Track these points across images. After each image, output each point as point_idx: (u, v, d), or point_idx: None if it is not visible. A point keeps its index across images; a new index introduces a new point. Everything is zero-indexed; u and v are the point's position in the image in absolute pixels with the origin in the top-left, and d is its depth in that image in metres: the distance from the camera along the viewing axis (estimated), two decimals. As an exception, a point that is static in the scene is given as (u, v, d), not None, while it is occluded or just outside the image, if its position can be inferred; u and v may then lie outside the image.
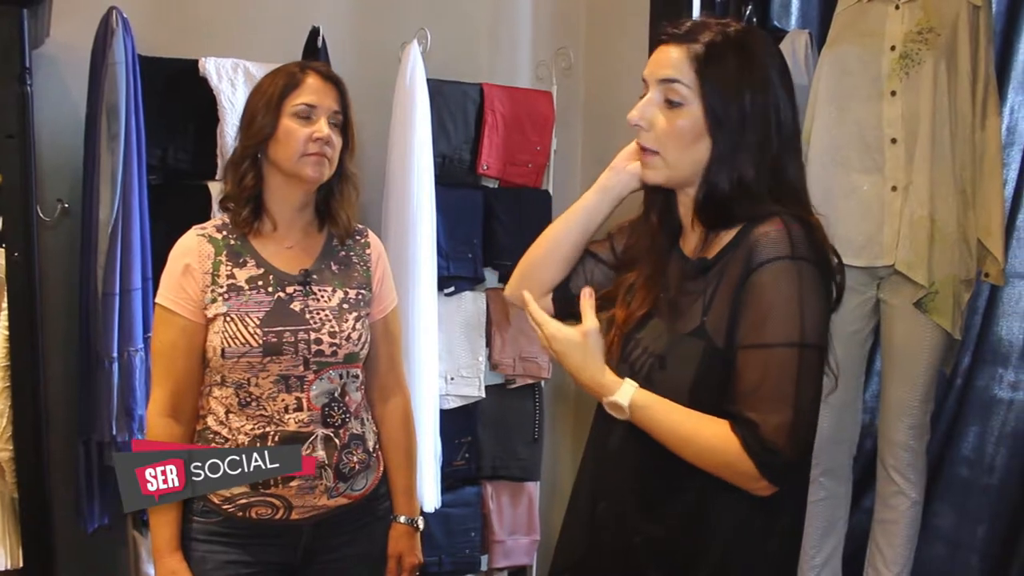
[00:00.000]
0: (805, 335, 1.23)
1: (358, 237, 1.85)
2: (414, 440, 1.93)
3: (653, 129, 1.33)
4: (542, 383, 3.18)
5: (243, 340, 1.65)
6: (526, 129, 3.06)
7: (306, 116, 1.69)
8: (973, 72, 2.22)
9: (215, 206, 2.38)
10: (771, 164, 1.31)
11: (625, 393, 1.30)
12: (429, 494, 2.81)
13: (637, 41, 3.06)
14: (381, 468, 1.84)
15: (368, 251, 1.84)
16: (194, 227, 1.75)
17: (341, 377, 1.73)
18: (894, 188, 2.28)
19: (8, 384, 2.19)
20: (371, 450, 1.80)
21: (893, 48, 2.29)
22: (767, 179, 1.31)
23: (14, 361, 2.19)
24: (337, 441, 1.72)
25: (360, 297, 1.79)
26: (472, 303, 3.03)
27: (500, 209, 3.03)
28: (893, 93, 2.28)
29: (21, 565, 2.25)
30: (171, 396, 1.69)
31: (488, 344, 3.07)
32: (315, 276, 1.75)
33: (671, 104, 1.31)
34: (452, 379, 2.99)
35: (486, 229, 3.02)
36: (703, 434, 1.27)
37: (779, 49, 1.41)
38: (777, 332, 1.23)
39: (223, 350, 1.65)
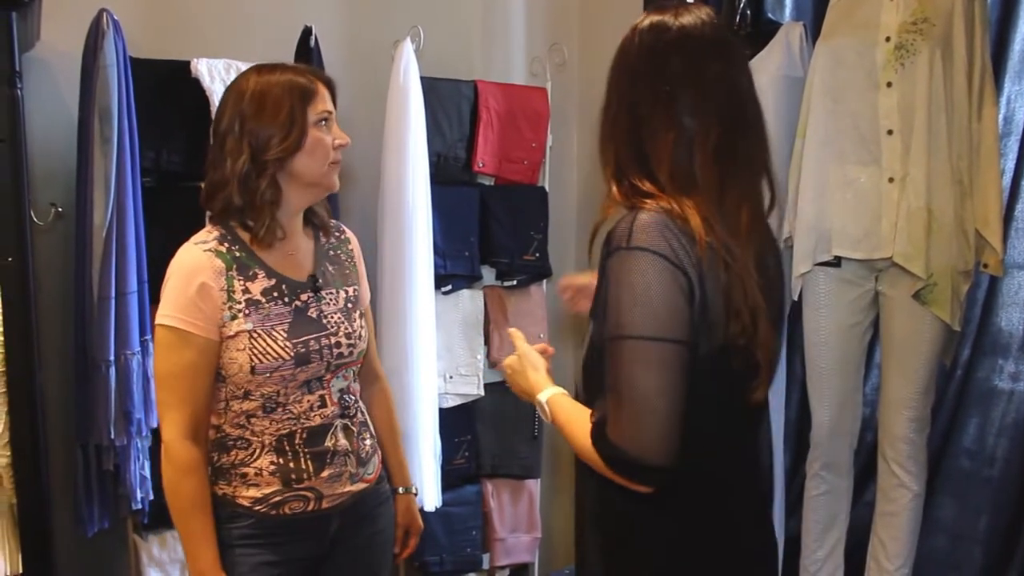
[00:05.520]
0: (625, 327, 1.21)
1: (338, 234, 1.86)
2: (396, 418, 2.03)
3: None
4: (541, 380, 3.17)
5: (275, 355, 1.63)
6: (521, 126, 3.05)
7: (326, 123, 1.69)
8: (969, 62, 2.21)
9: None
10: (634, 150, 1.32)
11: (544, 393, 1.41)
12: (429, 493, 2.81)
13: (631, 35, 3.05)
14: (380, 452, 1.91)
15: (350, 247, 1.87)
16: (194, 242, 1.67)
17: (352, 373, 1.80)
18: (891, 180, 2.27)
19: (4, 390, 2.18)
20: (373, 434, 1.87)
21: (888, 39, 2.27)
22: (636, 167, 1.31)
23: (10, 367, 2.18)
24: (353, 428, 1.77)
25: (356, 294, 1.82)
26: (470, 301, 3.02)
27: (496, 206, 3.03)
28: (889, 84, 2.27)
29: (21, 571, 2.25)
30: (191, 418, 1.63)
31: (486, 342, 3.07)
32: (320, 280, 1.75)
33: None
34: (451, 377, 2.98)
35: (482, 227, 3.02)
36: (579, 430, 1.30)
37: (650, 26, 1.35)
38: (610, 324, 1.24)
39: (253, 367, 1.63)
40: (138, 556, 2.49)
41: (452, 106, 2.94)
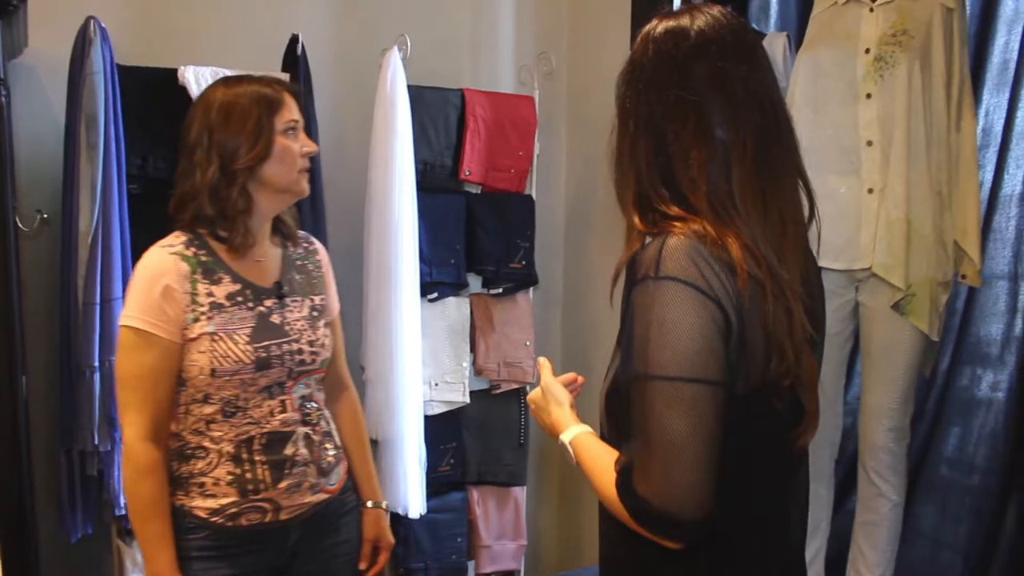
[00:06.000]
0: (653, 366, 1.09)
1: (306, 245, 1.89)
2: (365, 429, 2.02)
3: None
4: (527, 388, 3.18)
5: (235, 358, 1.65)
6: (508, 134, 3.06)
7: (293, 131, 1.71)
8: (947, 74, 2.22)
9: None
10: (659, 171, 1.19)
11: (567, 433, 1.29)
12: (414, 500, 2.81)
13: (619, 44, 3.07)
14: (346, 462, 1.90)
15: (318, 257, 1.89)
16: (159, 246, 1.69)
17: (316, 382, 1.80)
18: (870, 191, 2.29)
19: (-13, 395, 2.19)
20: (338, 445, 1.86)
21: (868, 51, 2.29)
22: (664, 192, 1.18)
23: (-7, 372, 2.19)
24: (315, 438, 1.77)
25: (322, 303, 1.84)
26: (455, 309, 3.03)
27: (483, 214, 3.04)
28: (868, 96, 2.28)
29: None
30: (152, 420, 1.64)
31: (472, 350, 3.07)
32: (286, 288, 1.77)
33: None
34: (436, 385, 2.99)
35: (469, 234, 3.03)
36: (604, 477, 1.17)
37: (665, 33, 1.22)
38: (636, 363, 1.11)
39: (213, 369, 1.64)
40: (122, 561, 2.49)
41: (439, 114, 2.95)
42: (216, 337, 1.64)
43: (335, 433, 1.87)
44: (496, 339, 3.08)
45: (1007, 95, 2.27)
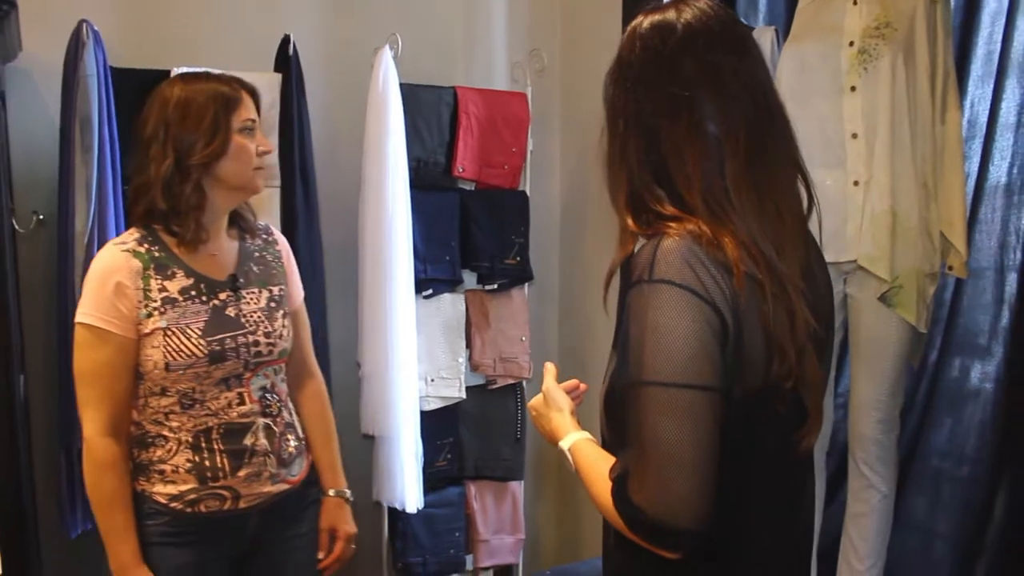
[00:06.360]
0: (647, 372, 1.07)
1: (265, 236, 1.91)
2: (332, 418, 2.02)
3: None
4: (523, 383, 3.20)
5: (188, 352, 1.68)
6: (501, 131, 3.08)
7: (249, 130, 1.74)
8: (932, 66, 2.23)
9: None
10: (652, 170, 1.17)
11: (566, 440, 1.28)
12: (411, 495, 2.84)
13: (611, 41, 3.05)
14: (310, 454, 1.93)
15: (277, 247, 1.91)
16: (113, 243, 1.72)
17: (276, 372, 1.82)
18: (856, 183, 2.29)
19: (-14, 394, 2.22)
20: (301, 436, 1.89)
21: (852, 44, 2.30)
22: (657, 191, 1.16)
23: (-8, 371, 2.22)
24: (276, 429, 1.79)
25: (281, 293, 1.86)
26: (451, 305, 3.05)
27: (477, 211, 3.06)
28: (853, 88, 2.29)
29: (3, 572, 2.28)
30: (111, 415, 1.67)
31: (468, 345, 3.10)
32: (241, 280, 1.79)
33: None
34: (432, 380, 3.02)
35: (463, 231, 3.05)
36: (600, 485, 1.15)
37: (652, 28, 1.20)
38: (631, 368, 1.09)
39: (167, 364, 1.67)
40: (121, 557, 2.52)
41: (432, 112, 2.98)
42: (169, 332, 1.67)
43: (298, 424, 1.89)
44: (492, 335, 3.10)
45: (991, 86, 2.27)
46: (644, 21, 1.21)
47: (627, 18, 3.03)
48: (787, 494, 1.22)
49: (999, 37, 2.26)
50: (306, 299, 2.69)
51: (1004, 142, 2.27)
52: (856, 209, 2.28)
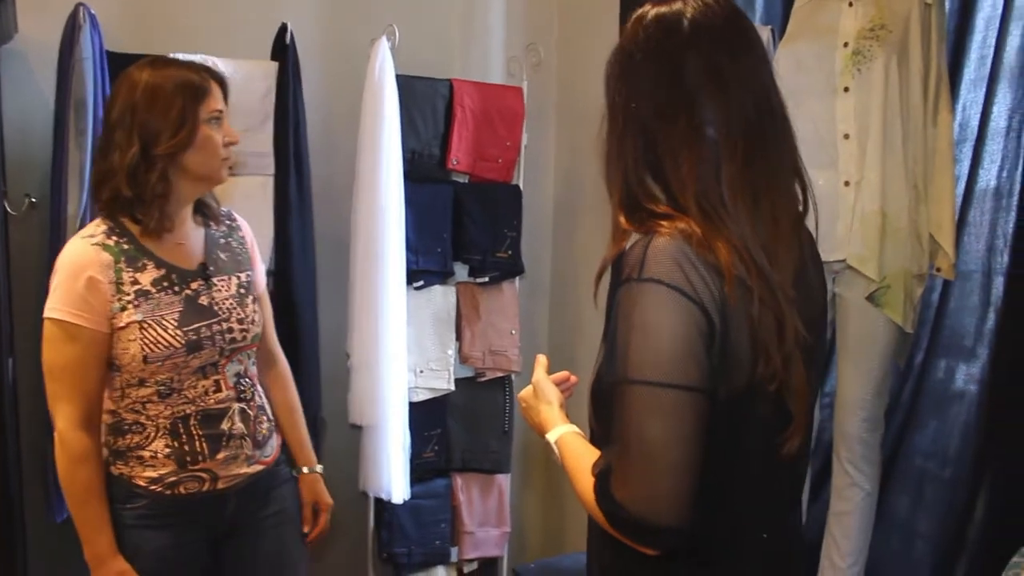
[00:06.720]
0: (633, 370, 1.07)
1: (229, 222, 1.91)
2: (297, 399, 2.07)
3: None
4: (512, 376, 3.21)
5: (166, 344, 1.68)
6: (496, 124, 3.08)
7: (217, 121, 1.73)
8: (925, 69, 2.25)
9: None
10: (648, 169, 1.17)
11: (553, 433, 1.29)
12: (398, 485, 2.85)
13: (608, 36, 3.08)
14: (279, 435, 1.96)
15: (241, 234, 1.92)
16: (80, 236, 1.70)
17: (248, 357, 1.85)
18: (847, 183, 2.31)
19: (-25, 378, 2.22)
20: (271, 418, 1.92)
21: (846, 45, 2.31)
22: (652, 191, 1.17)
23: (-20, 354, 2.22)
24: (250, 413, 1.82)
25: (249, 279, 1.87)
26: (441, 297, 3.06)
27: (470, 204, 3.06)
28: (846, 89, 2.31)
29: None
30: (83, 408, 1.67)
31: (458, 338, 3.10)
32: (212, 268, 1.80)
33: None
34: (421, 372, 3.02)
35: (456, 224, 3.05)
36: (584, 480, 1.16)
37: (657, 24, 1.19)
38: (618, 366, 1.10)
39: (145, 356, 1.67)
40: (107, 541, 2.52)
41: (427, 104, 2.98)
42: (144, 324, 1.67)
43: (267, 406, 1.92)
44: (482, 327, 3.11)
45: (984, 91, 2.29)
46: (650, 12, 1.19)
47: (624, 15, 3.04)
48: (771, 495, 1.22)
49: (992, 42, 2.28)
50: (298, 287, 2.71)
51: (994, 146, 2.29)
52: (847, 209, 2.30)
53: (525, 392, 1.39)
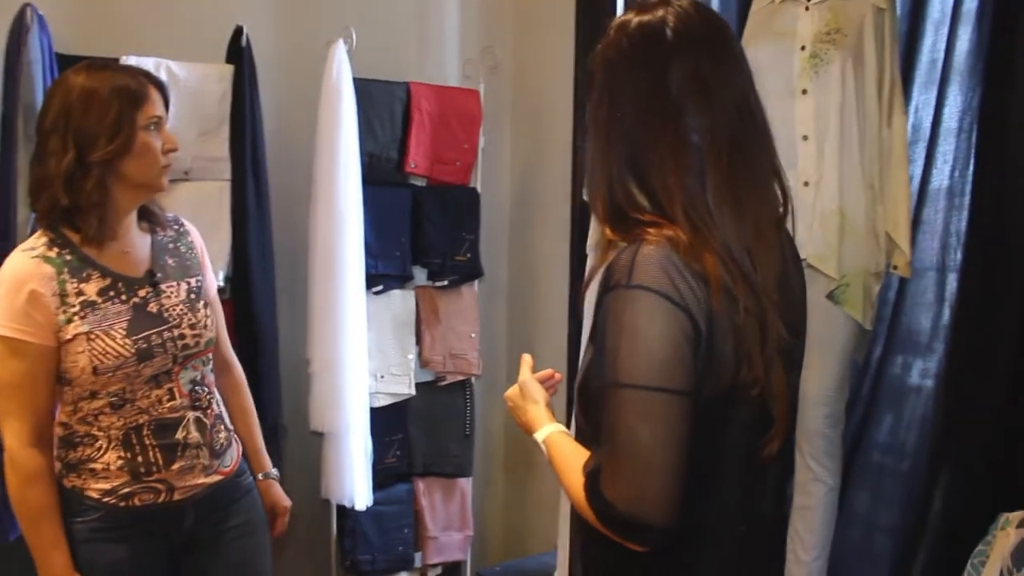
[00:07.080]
0: (622, 375, 1.10)
1: (176, 227, 1.87)
2: (252, 405, 2.07)
3: None
4: (472, 380, 3.21)
5: (116, 353, 1.64)
6: (453, 127, 3.08)
7: (156, 127, 1.69)
8: (879, 72, 2.29)
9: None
10: (634, 178, 1.18)
11: (541, 432, 1.31)
12: (360, 492, 2.83)
13: (564, 39, 3.11)
14: (239, 444, 1.93)
15: (190, 239, 1.88)
16: (21, 249, 1.65)
17: (204, 363, 1.81)
18: (806, 184, 2.35)
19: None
20: (229, 427, 1.90)
21: (804, 48, 2.35)
22: (638, 202, 1.18)
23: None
24: (207, 421, 1.79)
25: (199, 284, 1.84)
26: (401, 301, 3.05)
27: (428, 207, 3.06)
28: (804, 92, 2.34)
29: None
30: (33, 425, 1.63)
31: (418, 342, 3.09)
32: (159, 275, 1.76)
33: None
34: (382, 377, 3.00)
35: (414, 227, 3.05)
36: (574, 478, 1.18)
37: (640, 33, 1.20)
38: (607, 370, 1.12)
39: (95, 367, 1.63)
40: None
41: (384, 107, 2.96)
42: (92, 335, 1.63)
43: (225, 415, 1.89)
44: (442, 331, 3.10)
45: (935, 93, 2.34)
46: (633, 20, 1.21)
47: (580, 18, 3.06)
48: (752, 494, 1.25)
49: (942, 45, 2.33)
50: (257, 293, 2.67)
51: (947, 146, 2.34)
52: (806, 209, 2.34)
53: (512, 392, 1.41)
